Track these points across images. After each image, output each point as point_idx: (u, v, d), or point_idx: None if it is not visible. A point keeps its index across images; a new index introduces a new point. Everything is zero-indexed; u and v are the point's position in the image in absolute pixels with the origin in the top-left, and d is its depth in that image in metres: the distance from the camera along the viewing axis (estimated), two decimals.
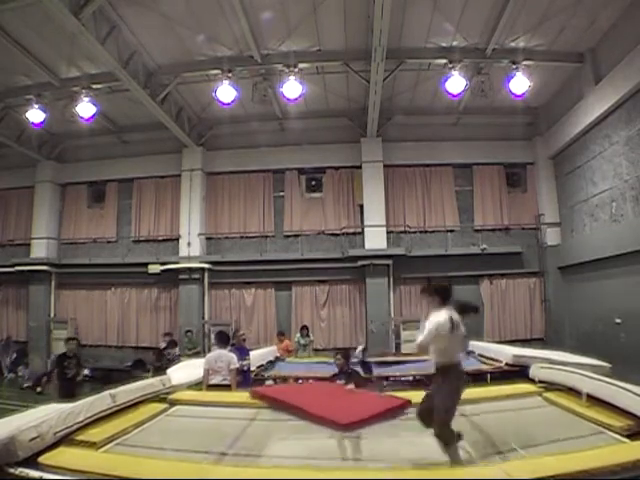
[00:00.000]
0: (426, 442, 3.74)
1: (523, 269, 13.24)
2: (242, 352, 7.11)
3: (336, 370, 6.35)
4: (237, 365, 6.30)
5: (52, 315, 14.29)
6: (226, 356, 6.28)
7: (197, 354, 10.90)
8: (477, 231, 13.55)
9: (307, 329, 11.72)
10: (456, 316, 3.59)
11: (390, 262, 12.82)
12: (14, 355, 13.73)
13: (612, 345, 9.61)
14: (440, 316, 3.57)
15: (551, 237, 13.18)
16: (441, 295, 3.71)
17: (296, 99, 10.87)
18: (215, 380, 6.14)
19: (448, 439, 3.39)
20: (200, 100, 12.63)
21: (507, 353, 7.82)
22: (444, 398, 3.50)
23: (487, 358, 8.86)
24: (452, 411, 3.52)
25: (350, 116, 13.41)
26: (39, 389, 11.31)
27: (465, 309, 3.88)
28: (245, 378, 6.73)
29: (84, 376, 11.75)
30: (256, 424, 4.37)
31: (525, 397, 4.95)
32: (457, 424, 4.13)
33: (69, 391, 6.92)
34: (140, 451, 3.55)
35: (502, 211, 13.62)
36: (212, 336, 12.12)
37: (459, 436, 3.45)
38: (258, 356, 8.32)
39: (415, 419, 4.35)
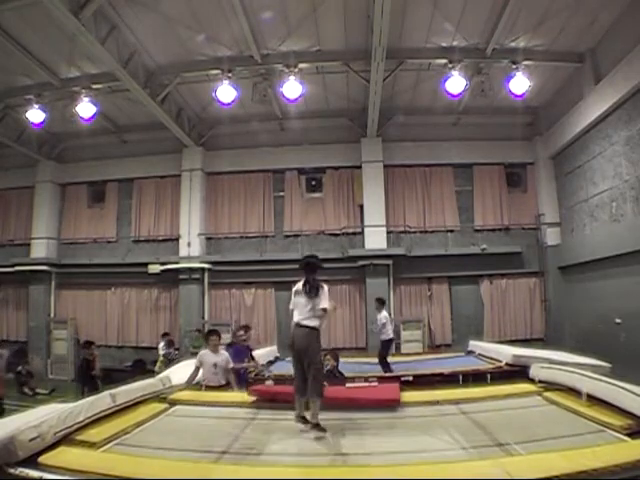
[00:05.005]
0: (423, 439, 3.75)
1: (523, 269, 13.26)
2: (239, 353, 7.08)
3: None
4: (232, 364, 6.34)
5: (52, 315, 14.29)
6: (222, 356, 6.32)
7: None
8: (477, 231, 13.57)
9: None
10: (299, 286, 4.21)
11: (390, 262, 12.83)
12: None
13: (612, 345, 9.60)
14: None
15: (551, 237, 13.19)
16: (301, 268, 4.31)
17: (296, 99, 10.86)
18: (213, 382, 6.15)
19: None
20: (200, 100, 12.64)
21: (507, 353, 7.83)
22: None
23: (487, 358, 8.87)
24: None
25: (350, 116, 13.41)
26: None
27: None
28: (240, 379, 6.71)
29: None
30: (256, 423, 4.37)
31: (525, 396, 4.95)
32: (457, 422, 4.15)
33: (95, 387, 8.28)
34: (140, 451, 3.55)
35: (502, 211, 13.63)
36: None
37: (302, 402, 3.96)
38: (258, 356, 8.31)
39: (411, 419, 4.36)
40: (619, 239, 9.96)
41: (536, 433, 3.65)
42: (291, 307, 4.27)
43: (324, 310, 4.09)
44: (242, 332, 7.81)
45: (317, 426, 3.77)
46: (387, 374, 8.68)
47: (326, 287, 4.21)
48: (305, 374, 3.91)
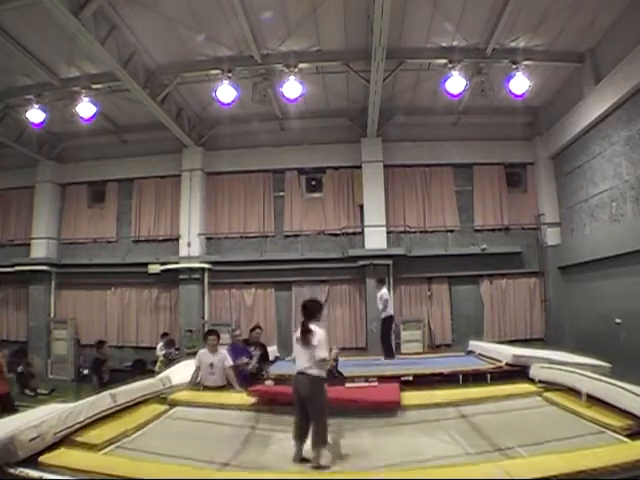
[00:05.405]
0: (423, 441, 3.74)
1: (523, 269, 13.26)
2: (237, 352, 7.07)
3: None
4: (231, 363, 6.33)
5: (52, 315, 14.28)
6: (219, 355, 6.32)
7: (195, 354, 10.91)
8: (477, 231, 13.56)
9: None
10: (299, 333, 3.99)
11: (390, 262, 12.81)
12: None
13: (612, 345, 9.60)
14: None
15: (551, 237, 13.18)
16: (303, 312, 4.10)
17: (296, 99, 10.85)
18: (209, 382, 6.15)
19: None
20: (200, 100, 12.63)
21: (507, 353, 7.81)
22: None
23: (487, 358, 8.85)
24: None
25: (350, 116, 13.40)
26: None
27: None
28: (241, 378, 6.70)
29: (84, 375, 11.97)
30: (256, 426, 4.37)
31: (525, 397, 4.95)
32: (457, 424, 4.14)
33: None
34: (140, 455, 3.54)
35: (502, 211, 13.63)
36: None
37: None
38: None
39: (411, 420, 4.34)
40: (619, 239, 9.96)
41: (536, 435, 3.64)
42: (293, 355, 4.13)
43: (323, 359, 3.93)
44: (238, 332, 7.86)
45: (319, 467, 3.54)
46: (388, 361, 8.66)
47: (323, 333, 3.96)
48: (307, 417, 3.74)
